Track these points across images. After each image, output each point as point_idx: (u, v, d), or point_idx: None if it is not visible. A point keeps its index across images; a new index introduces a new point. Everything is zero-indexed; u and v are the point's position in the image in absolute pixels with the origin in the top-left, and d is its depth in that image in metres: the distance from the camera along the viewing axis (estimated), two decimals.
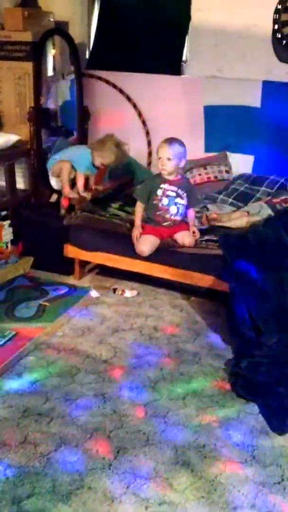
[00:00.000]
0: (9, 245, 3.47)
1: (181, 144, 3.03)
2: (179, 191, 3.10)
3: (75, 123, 4.27)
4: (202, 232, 3.19)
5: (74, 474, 1.87)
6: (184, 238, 3.08)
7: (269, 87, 3.81)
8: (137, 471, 1.90)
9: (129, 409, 2.23)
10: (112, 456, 1.96)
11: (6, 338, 2.67)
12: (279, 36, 3.78)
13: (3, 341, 2.64)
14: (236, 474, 1.91)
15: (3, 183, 3.84)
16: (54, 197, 4.13)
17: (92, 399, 2.28)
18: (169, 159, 3.00)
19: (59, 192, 4.08)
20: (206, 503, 1.78)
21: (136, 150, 4.21)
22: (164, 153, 3.00)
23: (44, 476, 1.85)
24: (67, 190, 3.66)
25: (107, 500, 1.77)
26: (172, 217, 3.12)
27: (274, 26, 3.77)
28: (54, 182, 3.84)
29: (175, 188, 3.09)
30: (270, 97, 3.82)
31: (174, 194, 3.09)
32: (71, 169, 3.68)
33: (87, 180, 3.78)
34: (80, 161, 3.66)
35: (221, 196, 3.82)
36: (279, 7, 3.70)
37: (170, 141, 3.01)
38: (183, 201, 3.13)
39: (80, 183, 3.66)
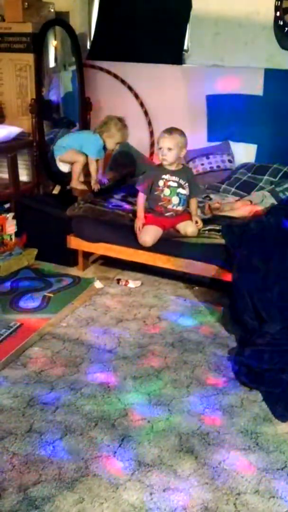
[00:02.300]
0: (13, 237, 3.49)
1: (182, 133, 3.02)
2: (181, 181, 3.10)
3: (77, 114, 4.27)
4: (205, 221, 3.19)
5: (79, 461, 1.90)
6: (187, 228, 3.08)
7: (271, 75, 3.79)
8: (141, 458, 1.92)
9: (133, 398, 2.25)
10: (116, 444, 1.99)
11: (11, 329, 2.70)
12: (281, 23, 3.75)
13: (8, 332, 2.67)
14: (239, 461, 1.93)
15: (6, 176, 3.85)
16: (57, 189, 4.14)
17: (96, 388, 2.30)
18: (169, 149, 3.00)
19: (62, 184, 4.09)
20: (210, 489, 1.81)
21: (138, 140, 4.21)
22: (165, 143, 3.00)
23: (50, 464, 1.88)
24: (75, 182, 3.63)
25: (112, 487, 1.79)
26: (174, 207, 3.12)
27: (275, 13, 3.74)
28: (62, 167, 3.80)
29: (176, 179, 3.09)
30: (273, 85, 3.80)
31: (175, 184, 3.09)
32: (85, 161, 3.66)
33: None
34: (91, 147, 3.62)
35: (223, 186, 3.81)
36: None
37: (170, 131, 3.01)
38: (185, 191, 3.13)
39: (93, 167, 3.63)
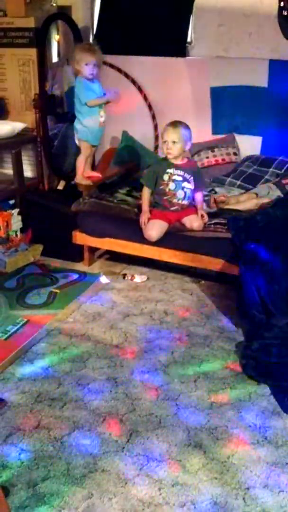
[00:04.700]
0: (18, 233, 3.49)
1: (186, 126, 3.01)
2: (186, 175, 3.08)
3: None
4: (211, 215, 3.18)
5: (87, 457, 1.90)
6: (193, 222, 3.07)
7: (276, 66, 3.75)
8: (150, 453, 1.92)
9: (141, 393, 2.24)
10: (125, 439, 1.99)
11: (18, 325, 2.70)
12: (286, 13, 3.70)
13: (15, 329, 2.67)
14: (248, 455, 1.93)
15: (10, 171, 3.84)
16: (62, 184, 4.13)
17: (104, 383, 2.30)
18: (174, 142, 2.99)
19: (67, 179, 4.08)
20: (219, 483, 1.80)
21: (143, 134, 4.19)
22: (169, 136, 2.99)
23: (59, 459, 1.88)
24: (80, 177, 3.52)
25: (120, 482, 1.79)
26: (180, 201, 3.11)
27: (280, 3, 3.69)
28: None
29: (181, 173, 3.08)
30: (277, 76, 3.76)
31: (180, 178, 3.07)
32: (90, 149, 3.51)
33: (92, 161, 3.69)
34: (77, 92, 3.35)
35: (229, 179, 3.79)
36: None
37: (175, 124, 3.00)
38: (190, 185, 3.11)
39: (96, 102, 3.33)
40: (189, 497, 1.74)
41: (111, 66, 4.24)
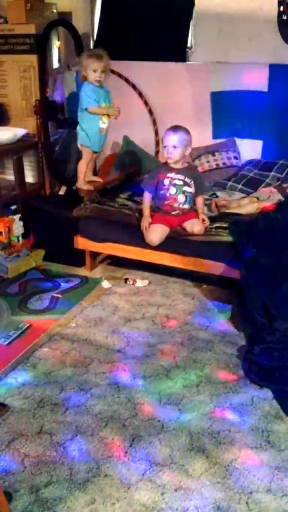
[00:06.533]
0: (20, 238, 3.50)
1: (186, 131, 3.02)
2: (186, 179, 3.09)
3: None
4: (212, 219, 3.18)
5: (90, 462, 1.90)
6: (194, 226, 3.07)
7: (276, 70, 3.76)
8: (152, 458, 1.92)
9: (143, 397, 2.24)
10: (127, 444, 1.98)
11: (20, 331, 2.70)
12: (285, 18, 3.71)
13: (17, 334, 2.67)
14: (251, 459, 1.92)
15: (12, 177, 3.86)
16: (63, 189, 4.14)
17: (106, 388, 2.30)
18: (174, 147, 3.00)
19: (68, 185, 4.09)
20: (222, 488, 1.80)
21: (143, 139, 4.20)
22: (170, 141, 3.00)
23: (61, 464, 1.88)
24: (81, 182, 3.52)
25: (123, 487, 1.79)
26: (181, 205, 3.11)
27: (279, 8, 3.70)
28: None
29: (182, 177, 3.08)
30: (277, 81, 3.77)
31: (181, 182, 3.08)
32: (91, 155, 3.52)
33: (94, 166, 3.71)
34: (81, 97, 3.34)
35: (230, 183, 3.80)
36: None
37: (175, 128, 3.01)
38: (191, 189, 3.12)
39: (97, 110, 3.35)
40: (192, 502, 1.74)
41: (112, 71, 4.25)
